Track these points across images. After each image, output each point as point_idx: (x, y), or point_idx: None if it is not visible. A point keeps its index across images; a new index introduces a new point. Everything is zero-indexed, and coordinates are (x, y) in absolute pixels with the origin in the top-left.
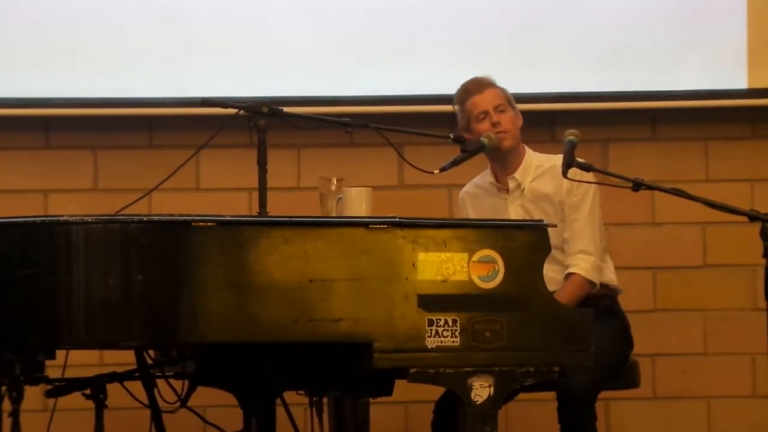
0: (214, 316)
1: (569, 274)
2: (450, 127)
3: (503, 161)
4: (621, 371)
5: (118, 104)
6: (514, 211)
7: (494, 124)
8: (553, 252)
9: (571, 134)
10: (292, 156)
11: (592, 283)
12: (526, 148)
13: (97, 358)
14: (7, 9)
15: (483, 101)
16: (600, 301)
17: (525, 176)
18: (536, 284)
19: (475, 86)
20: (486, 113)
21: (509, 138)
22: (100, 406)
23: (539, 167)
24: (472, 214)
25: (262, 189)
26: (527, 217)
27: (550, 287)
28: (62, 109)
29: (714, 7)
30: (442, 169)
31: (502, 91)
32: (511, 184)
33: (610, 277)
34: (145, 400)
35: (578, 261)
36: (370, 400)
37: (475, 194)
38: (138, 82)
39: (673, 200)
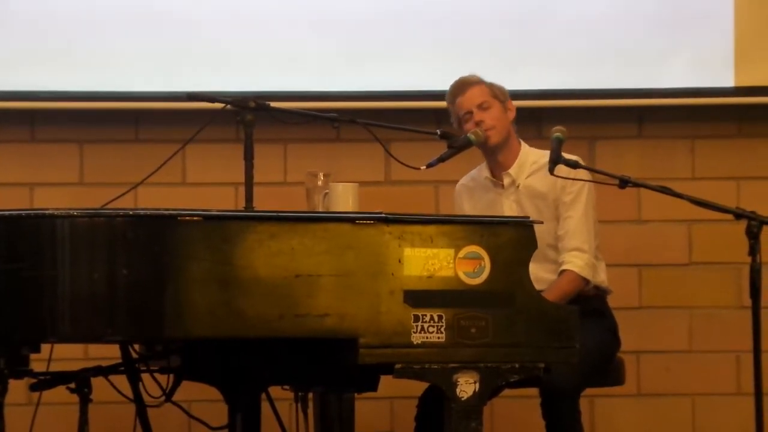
0: (200, 311)
1: (563, 271)
2: (437, 124)
3: (495, 156)
4: (606, 369)
5: (104, 98)
6: (509, 206)
7: (477, 123)
8: (547, 251)
9: (557, 131)
10: (279, 151)
11: (585, 281)
12: (522, 143)
13: (82, 352)
14: None
15: (466, 101)
16: (589, 302)
17: (520, 172)
18: (522, 281)
19: (458, 88)
20: (470, 113)
21: (496, 134)
22: (85, 400)
23: (535, 163)
24: (467, 207)
25: (249, 184)
26: (521, 213)
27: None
28: (48, 102)
29: (701, 5)
30: (429, 165)
31: (489, 87)
32: (506, 180)
33: (602, 277)
34: (130, 395)
35: (572, 258)
36: (356, 395)
37: (471, 188)
38: (125, 77)
39: (659, 198)
